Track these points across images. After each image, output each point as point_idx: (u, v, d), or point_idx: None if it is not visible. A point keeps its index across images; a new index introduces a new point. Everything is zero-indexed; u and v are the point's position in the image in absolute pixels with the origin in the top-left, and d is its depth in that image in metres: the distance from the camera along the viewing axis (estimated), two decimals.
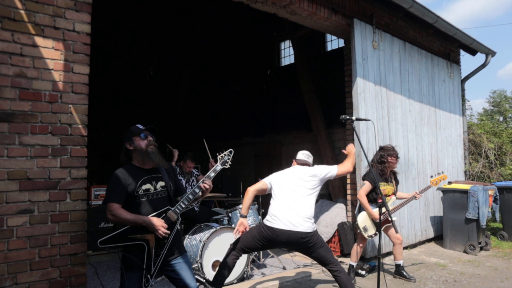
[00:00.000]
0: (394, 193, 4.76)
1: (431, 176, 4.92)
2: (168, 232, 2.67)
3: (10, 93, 2.88)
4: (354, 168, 5.68)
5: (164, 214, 2.72)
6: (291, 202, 3.58)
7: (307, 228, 3.51)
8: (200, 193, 2.82)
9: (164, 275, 2.89)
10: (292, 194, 3.62)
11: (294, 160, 4.01)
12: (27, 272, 2.91)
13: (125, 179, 2.70)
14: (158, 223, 2.63)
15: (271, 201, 3.70)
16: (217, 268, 3.76)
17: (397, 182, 4.90)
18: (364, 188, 4.63)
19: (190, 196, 2.76)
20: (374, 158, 4.87)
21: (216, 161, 2.96)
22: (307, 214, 3.57)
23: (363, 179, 4.80)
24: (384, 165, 4.69)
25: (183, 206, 2.75)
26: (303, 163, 3.90)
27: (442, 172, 4.93)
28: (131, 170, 2.76)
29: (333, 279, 3.65)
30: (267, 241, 3.57)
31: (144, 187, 2.74)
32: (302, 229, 3.48)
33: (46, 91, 3.04)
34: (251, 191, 3.76)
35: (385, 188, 4.65)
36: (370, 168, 3.80)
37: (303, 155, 3.96)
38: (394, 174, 4.90)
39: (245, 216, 3.78)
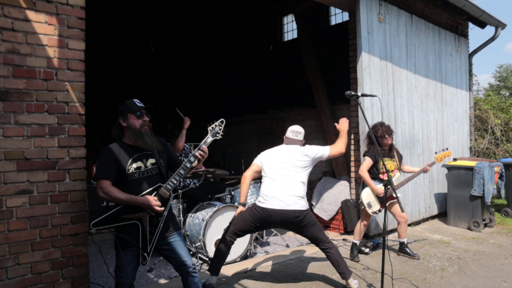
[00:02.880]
0: (398, 169, 4.68)
1: (436, 153, 4.84)
2: (162, 209, 2.63)
3: (3, 70, 2.77)
4: (358, 145, 5.61)
5: (156, 192, 2.68)
6: (283, 181, 3.51)
7: (301, 206, 3.47)
8: (196, 162, 2.75)
9: (159, 253, 2.86)
10: (284, 173, 3.55)
11: (284, 136, 3.88)
12: (28, 253, 2.89)
13: (116, 156, 2.64)
14: (151, 200, 2.59)
15: (262, 181, 3.63)
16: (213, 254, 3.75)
17: (400, 157, 4.82)
18: (365, 163, 4.57)
19: (182, 171, 2.70)
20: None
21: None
22: (300, 193, 3.52)
23: (364, 155, 4.74)
24: (377, 141, 4.61)
25: (175, 182, 2.70)
26: (292, 143, 3.77)
27: (447, 149, 4.84)
28: (122, 147, 2.70)
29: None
30: (260, 222, 3.52)
31: (135, 165, 2.68)
32: (296, 207, 3.44)
33: (41, 68, 2.93)
34: (248, 176, 3.67)
35: (387, 163, 4.57)
36: (375, 143, 3.68)
37: (292, 133, 3.80)
38: (396, 150, 4.82)
39: (245, 205, 3.73)
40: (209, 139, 2.79)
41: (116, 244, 2.68)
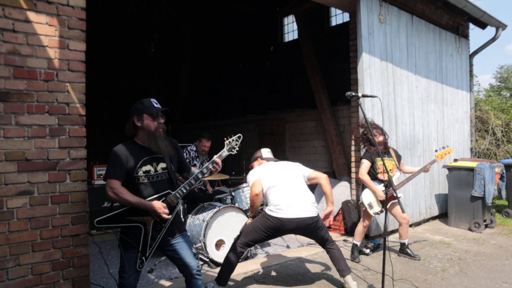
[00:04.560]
0: (397, 168, 4.67)
1: (436, 150, 4.83)
2: (169, 217, 2.62)
3: (4, 71, 2.78)
4: (359, 146, 5.60)
5: (163, 198, 2.66)
6: (295, 190, 3.55)
7: (314, 213, 3.52)
8: (208, 174, 2.74)
9: (165, 255, 2.86)
10: (294, 183, 3.59)
11: (259, 158, 3.96)
12: (29, 254, 2.89)
13: (126, 157, 2.60)
14: (159, 207, 2.56)
15: (270, 192, 3.58)
16: (222, 260, 3.72)
17: (398, 157, 4.80)
18: (363, 166, 4.56)
19: (192, 181, 2.69)
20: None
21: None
22: (312, 199, 3.58)
23: (361, 158, 4.72)
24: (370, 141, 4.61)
25: (184, 191, 2.68)
26: (273, 160, 3.91)
27: (447, 146, 4.82)
28: (132, 148, 2.66)
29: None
30: (273, 231, 3.51)
31: (144, 168, 2.65)
32: (310, 214, 3.48)
33: (42, 69, 2.94)
34: (260, 192, 3.53)
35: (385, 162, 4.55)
36: (374, 143, 3.67)
37: (268, 152, 3.99)
38: (394, 149, 4.82)
39: (255, 217, 3.73)
40: (224, 153, 2.78)
41: (120, 246, 2.68)
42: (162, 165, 2.73)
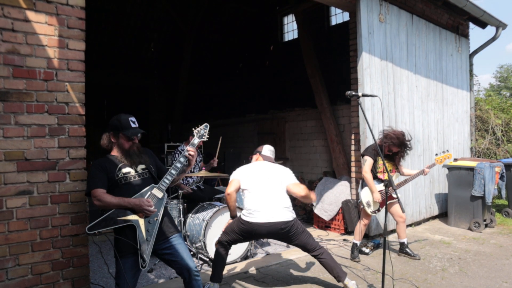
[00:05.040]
0: (396, 169, 4.67)
1: (436, 154, 4.83)
2: (155, 210, 2.66)
3: (3, 70, 2.78)
4: (359, 145, 5.60)
5: (149, 193, 2.70)
6: (267, 193, 3.52)
7: (287, 217, 3.47)
8: (186, 163, 2.82)
9: (160, 259, 2.85)
10: (269, 186, 3.56)
11: (258, 153, 3.93)
12: (29, 253, 2.89)
13: (104, 166, 2.69)
14: (143, 202, 2.61)
15: (245, 196, 3.63)
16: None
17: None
18: (367, 164, 4.55)
19: (173, 171, 2.75)
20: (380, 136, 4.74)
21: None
22: (285, 204, 3.53)
23: (363, 154, 4.72)
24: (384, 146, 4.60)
25: (167, 182, 2.74)
26: (270, 160, 3.87)
27: (447, 151, 4.83)
28: (109, 158, 2.77)
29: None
30: (247, 234, 3.54)
31: (124, 170, 2.73)
32: (281, 219, 3.44)
33: (41, 68, 2.93)
34: (232, 193, 3.62)
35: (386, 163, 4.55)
36: (375, 144, 3.68)
37: (269, 151, 3.93)
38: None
39: (234, 217, 3.75)
40: (196, 140, 2.90)
41: (115, 252, 2.67)
42: (142, 166, 2.82)
